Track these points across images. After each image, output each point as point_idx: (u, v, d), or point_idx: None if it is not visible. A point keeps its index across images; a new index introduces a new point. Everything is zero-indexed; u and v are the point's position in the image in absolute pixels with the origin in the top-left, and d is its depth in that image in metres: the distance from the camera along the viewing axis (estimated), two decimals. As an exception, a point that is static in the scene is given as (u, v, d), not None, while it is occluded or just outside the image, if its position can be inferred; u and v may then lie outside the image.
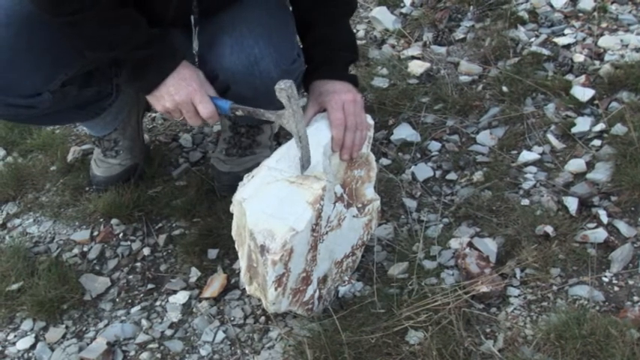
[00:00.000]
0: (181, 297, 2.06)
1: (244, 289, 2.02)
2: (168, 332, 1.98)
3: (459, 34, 2.95)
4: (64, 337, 2.01)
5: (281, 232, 1.65)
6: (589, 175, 2.19)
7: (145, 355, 1.92)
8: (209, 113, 1.81)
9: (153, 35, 1.82)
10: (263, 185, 1.75)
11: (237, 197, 1.74)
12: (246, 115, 1.82)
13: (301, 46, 2.02)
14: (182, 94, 1.80)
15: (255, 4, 1.94)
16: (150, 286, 2.12)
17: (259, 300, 1.96)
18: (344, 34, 2.02)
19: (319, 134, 1.83)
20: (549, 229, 2.01)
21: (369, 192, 1.94)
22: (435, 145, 2.43)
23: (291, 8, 2.04)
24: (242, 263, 1.78)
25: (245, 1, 1.94)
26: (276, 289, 1.71)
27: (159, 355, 1.92)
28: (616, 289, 1.88)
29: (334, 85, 1.91)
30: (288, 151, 1.82)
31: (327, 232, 1.80)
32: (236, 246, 1.81)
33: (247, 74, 1.87)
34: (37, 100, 1.98)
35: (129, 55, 1.80)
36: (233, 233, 1.79)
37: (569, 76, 2.58)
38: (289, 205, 1.70)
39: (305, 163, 1.76)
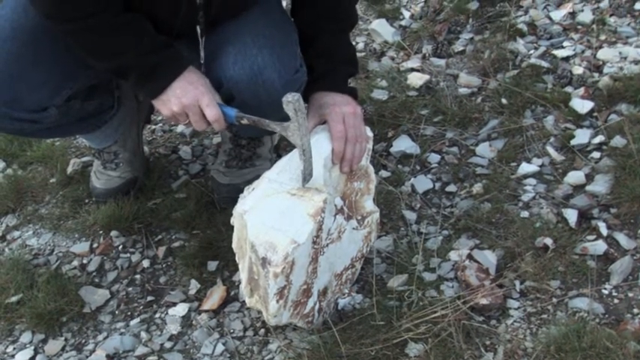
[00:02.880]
0: (181, 309, 2.06)
1: (244, 301, 2.02)
2: (168, 344, 1.98)
3: (458, 47, 2.96)
4: (63, 349, 2.01)
5: (282, 245, 1.65)
6: (588, 187, 2.19)
7: (144, 367, 1.93)
8: (215, 116, 1.80)
9: (159, 41, 1.83)
10: (264, 197, 1.75)
11: (238, 209, 1.74)
12: (251, 124, 1.81)
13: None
14: (189, 97, 1.80)
15: (259, 15, 1.95)
16: (149, 298, 2.12)
17: (259, 312, 1.96)
18: (345, 48, 2.03)
19: (320, 147, 1.83)
20: (549, 241, 2.01)
21: (369, 204, 1.94)
22: (434, 157, 2.43)
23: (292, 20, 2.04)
24: (243, 276, 1.78)
25: (249, 13, 1.95)
26: (277, 301, 1.71)
27: (158, 368, 1.93)
28: (616, 301, 1.88)
29: (334, 97, 1.91)
30: (289, 163, 1.82)
31: (327, 245, 1.80)
32: (237, 258, 1.81)
33: (251, 84, 1.87)
34: (43, 115, 1.98)
35: (136, 62, 1.80)
36: (234, 245, 1.79)
37: (569, 89, 2.59)
38: (290, 218, 1.70)
39: (307, 176, 1.75)
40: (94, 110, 2.20)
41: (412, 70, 2.86)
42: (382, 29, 3.12)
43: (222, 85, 1.91)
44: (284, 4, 2.13)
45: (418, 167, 2.41)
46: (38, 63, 1.90)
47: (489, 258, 2.01)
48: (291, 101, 1.66)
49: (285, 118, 1.72)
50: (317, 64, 1.96)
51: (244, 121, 1.82)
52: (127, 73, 1.83)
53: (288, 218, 1.70)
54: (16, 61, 1.87)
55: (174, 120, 1.88)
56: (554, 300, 1.90)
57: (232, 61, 1.88)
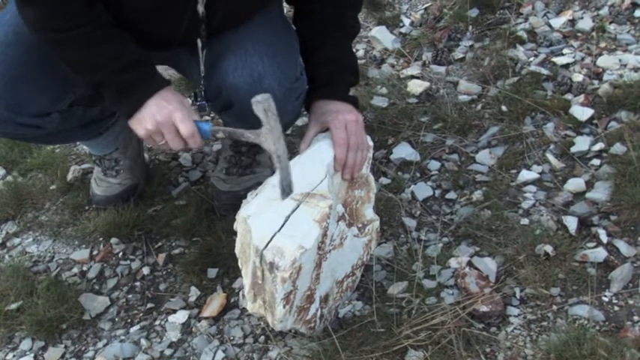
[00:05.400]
0: (181, 316, 2.06)
1: (244, 308, 2.02)
2: (168, 352, 1.98)
3: (458, 54, 2.97)
4: (63, 356, 2.01)
5: (290, 250, 1.65)
6: (588, 195, 2.19)
7: (144, 374, 1.92)
8: (189, 131, 1.76)
9: (137, 58, 1.81)
10: (268, 203, 1.75)
11: (241, 214, 1.74)
12: (227, 137, 1.81)
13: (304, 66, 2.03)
14: (163, 114, 1.76)
15: (261, 23, 1.95)
16: (149, 305, 2.12)
17: (259, 319, 1.96)
18: (347, 57, 2.03)
19: (322, 153, 1.83)
20: (549, 248, 2.01)
21: (369, 212, 1.94)
22: (434, 165, 2.44)
23: (294, 28, 2.04)
24: (246, 281, 1.77)
25: (251, 21, 1.95)
26: (284, 306, 1.71)
27: (158, 375, 1.92)
28: (616, 308, 1.88)
29: (336, 105, 1.91)
30: (292, 169, 1.82)
31: (330, 251, 1.80)
32: (239, 264, 1.80)
33: (250, 91, 1.85)
34: (46, 121, 1.99)
35: (111, 78, 1.78)
36: (237, 251, 1.79)
37: (568, 96, 2.59)
38: (296, 223, 1.71)
39: (285, 187, 1.72)
40: (96, 117, 2.20)
41: (412, 77, 2.87)
42: (382, 36, 3.12)
43: (221, 92, 1.91)
44: (286, 11, 2.13)
45: (418, 174, 2.41)
46: (41, 68, 1.90)
47: (489, 265, 2.01)
48: (260, 101, 1.61)
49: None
50: (319, 72, 1.97)
51: (219, 135, 1.80)
52: (103, 89, 1.81)
53: (294, 223, 1.70)
54: (19, 65, 1.88)
55: (150, 141, 1.84)
56: (555, 307, 1.90)
57: (232, 68, 1.88)
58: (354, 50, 2.10)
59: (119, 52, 1.79)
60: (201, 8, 1.83)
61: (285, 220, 1.70)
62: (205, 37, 1.91)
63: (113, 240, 2.32)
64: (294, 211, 1.73)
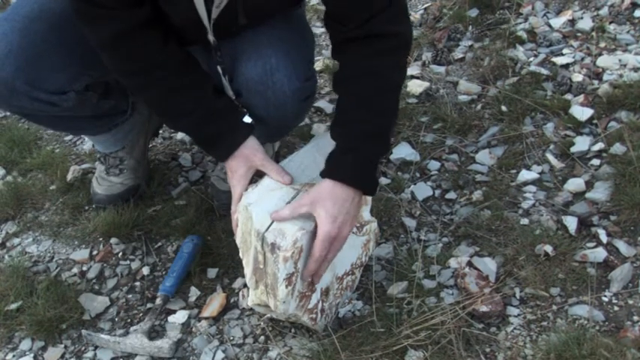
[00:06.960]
0: (180, 316, 2.05)
1: (244, 308, 2.02)
2: (168, 352, 1.98)
3: (458, 54, 2.97)
4: (62, 356, 2.00)
5: (291, 231, 1.68)
6: (588, 195, 2.19)
7: (143, 374, 1.92)
8: (232, 215, 1.85)
9: (217, 108, 1.86)
10: (268, 191, 1.79)
11: (242, 203, 1.78)
12: None
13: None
14: (231, 181, 1.88)
15: (279, 20, 1.92)
16: (149, 305, 2.12)
17: (259, 319, 1.96)
18: (373, 118, 1.76)
19: (321, 149, 1.86)
20: (549, 248, 2.01)
21: (366, 214, 1.95)
22: (434, 165, 2.44)
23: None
24: (247, 270, 1.78)
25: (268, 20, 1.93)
26: (286, 286, 1.72)
27: (158, 375, 1.92)
28: (616, 308, 1.88)
29: (335, 199, 1.73)
30: (290, 163, 1.87)
31: None
32: (240, 254, 1.81)
33: (261, 83, 1.86)
34: (62, 99, 2.00)
35: (193, 131, 1.92)
36: (238, 241, 1.80)
37: (568, 96, 2.59)
38: None
39: None
40: (109, 109, 2.22)
41: (412, 77, 2.87)
42: (382, 36, 3.12)
43: (232, 80, 1.92)
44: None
45: (418, 174, 2.41)
46: (62, 46, 1.93)
47: (489, 265, 2.01)
48: None
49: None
50: (337, 138, 1.81)
51: None
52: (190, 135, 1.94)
53: None
54: (41, 41, 1.90)
55: None
56: (554, 307, 1.90)
57: (246, 58, 1.87)
58: (393, 105, 1.84)
59: (198, 103, 1.85)
60: (211, 37, 1.83)
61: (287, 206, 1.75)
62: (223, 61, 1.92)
63: (113, 240, 2.32)
64: (293, 198, 1.77)
